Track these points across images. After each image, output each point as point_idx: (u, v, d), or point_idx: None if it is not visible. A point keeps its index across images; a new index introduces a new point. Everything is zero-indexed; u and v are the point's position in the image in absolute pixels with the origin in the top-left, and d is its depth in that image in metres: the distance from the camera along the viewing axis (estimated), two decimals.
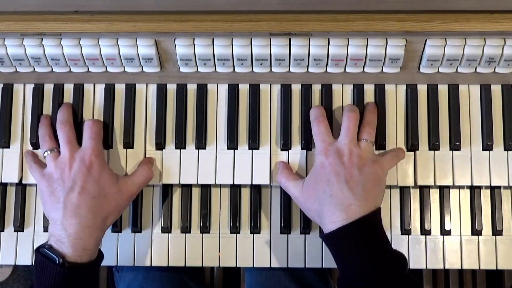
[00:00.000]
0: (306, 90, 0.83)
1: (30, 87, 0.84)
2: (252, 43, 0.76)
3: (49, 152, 0.77)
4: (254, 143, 0.82)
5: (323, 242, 0.82)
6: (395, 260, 0.70)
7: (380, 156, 0.78)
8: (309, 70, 0.79)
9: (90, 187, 0.72)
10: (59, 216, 0.71)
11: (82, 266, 0.69)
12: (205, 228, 0.83)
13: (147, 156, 0.82)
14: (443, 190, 0.83)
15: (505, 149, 0.82)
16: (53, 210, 0.72)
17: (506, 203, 0.83)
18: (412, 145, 0.81)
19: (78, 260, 0.69)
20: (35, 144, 0.83)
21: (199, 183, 0.82)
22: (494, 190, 0.83)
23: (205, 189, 0.84)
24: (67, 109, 0.81)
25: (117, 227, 0.83)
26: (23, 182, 0.82)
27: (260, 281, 0.92)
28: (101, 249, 0.81)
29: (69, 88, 0.84)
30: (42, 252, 0.69)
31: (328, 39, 0.75)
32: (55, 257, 0.68)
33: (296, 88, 0.83)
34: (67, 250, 0.69)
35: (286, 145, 0.82)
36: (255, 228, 0.83)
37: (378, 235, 0.71)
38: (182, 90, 0.83)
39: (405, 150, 0.82)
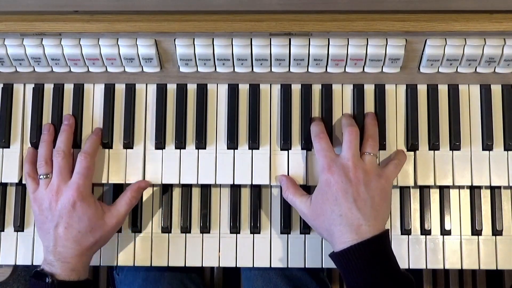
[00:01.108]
0: (306, 90, 0.83)
1: (30, 87, 0.84)
2: (252, 43, 0.76)
3: (43, 177, 0.79)
4: (254, 143, 0.82)
5: (322, 240, 0.82)
6: (404, 281, 0.71)
7: (383, 168, 0.78)
8: (309, 70, 0.79)
9: (75, 223, 0.75)
10: (49, 245, 0.76)
11: (70, 284, 0.74)
12: (205, 228, 0.83)
13: (146, 155, 0.82)
14: (443, 190, 0.83)
15: (505, 149, 0.82)
16: (45, 239, 0.77)
17: (506, 203, 0.83)
18: (412, 145, 0.81)
19: (66, 278, 0.74)
20: (35, 144, 0.83)
21: (199, 183, 0.82)
22: (494, 190, 0.83)
23: (205, 189, 0.84)
24: (67, 136, 0.80)
25: None
26: (23, 182, 0.82)
27: (256, 287, 0.92)
28: (102, 250, 0.83)
29: (69, 88, 0.84)
30: (34, 275, 0.74)
31: (328, 39, 0.75)
32: (46, 276, 0.73)
33: (296, 88, 0.83)
34: (57, 271, 0.74)
35: (286, 145, 0.82)
36: (255, 228, 0.83)
37: (388, 255, 0.72)
38: (182, 90, 0.83)
39: (405, 150, 0.82)
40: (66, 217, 0.75)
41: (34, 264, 0.83)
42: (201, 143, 0.82)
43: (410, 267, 0.82)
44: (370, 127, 0.80)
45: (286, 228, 0.83)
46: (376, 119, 0.81)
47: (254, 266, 0.83)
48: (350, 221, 0.71)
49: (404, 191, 0.83)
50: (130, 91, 0.84)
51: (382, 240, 0.71)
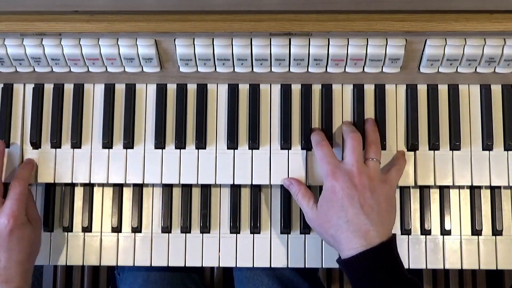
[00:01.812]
0: (306, 90, 0.83)
1: (30, 87, 0.84)
2: (252, 43, 0.76)
3: None
4: (254, 143, 0.82)
5: (322, 240, 0.82)
6: (411, 286, 0.71)
7: (386, 174, 0.78)
8: (309, 70, 0.79)
9: (15, 246, 0.75)
10: None
11: None
12: (205, 228, 0.83)
13: (146, 155, 0.82)
14: (443, 190, 0.83)
15: (505, 149, 0.82)
16: None
17: (506, 203, 0.83)
18: (412, 145, 0.81)
19: None
20: (35, 144, 0.83)
21: (199, 183, 0.82)
22: (494, 190, 0.83)
23: (205, 189, 0.84)
24: None
25: (117, 228, 0.83)
26: None
27: None
28: (101, 250, 0.83)
29: (69, 88, 0.84)
30: None
31: (328, 39, 0.75)
32: None
33: (296, 88, 0.83)
34: None
35: (286, 145, 0.82)
36: (255, 228, 0.83)
37: (396, 261, 0.72)
38: (182, 90, 0.83)
39: (405, 150, 0.82)
40: (5, 243, 0.74)
41: (36, 264, 0.83)
42: (201, 143, 0.82)
43: (410, 267, 0.82)
44: (371, 133, 0.80)
45: (286, 228, 0.83)
46: (377, 125, 0.81)
47: (254, 266, 0.83)
48: (357, 227, 0.71)
49: (404, 191, 0.83)
50: (130, 91, 0.84)
51: (390, 246, 0.71)
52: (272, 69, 0.80)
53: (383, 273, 0.69)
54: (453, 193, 0.83)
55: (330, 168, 0.75)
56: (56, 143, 0.83)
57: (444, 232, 0.82)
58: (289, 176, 0.81)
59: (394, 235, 0.73)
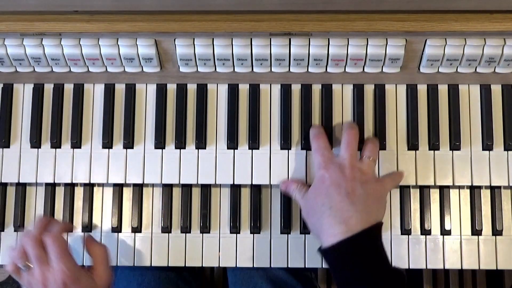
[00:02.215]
0: (306, 90, 0.83)
1: (30, 87, 0.84)
2: (252, 43, 0.76)
3: (24, 268, 0.70)
4: (254, 143, 0.82)
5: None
6: (395, 277, 0.70)
7: (381, 176, 0.78)
8: (309, 70, 0.79)
9: None
10: None
11: None
12: (205, 228, 0.83)
13: (146, 155, 0.82)
14: (443, 190, 0.83)
15: (505, 149, 0.81)
16: None
17: (506, 203, 0.83)
18: (412, 145, 0.81)
19: None
20: (35, 144, 0.83)
21: (199, 183, 0.82)
22: (494, 190, 0.83)
23: (205, 189, 0.84)
24: (41, 223, 0.73)
25: (117, 228, 0.83)
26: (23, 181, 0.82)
27: None
28: None
29: (69, 88, 0.84)
30: None
31: (328, 39, 0.75)
32: None
33: (296, 88, 0.83)
34: None
35: (286, 145, 0.82)
36: (255, 228, 0.83)
37: (379, 250, 0.71)
38: (182, 90, 0.83)
39: (406, 149, 0.82)
40: None
41: None
42: (201, 143, 0.82)
43: (410, 267, 0.82)
44: (371, 138, 0.80)
45: (286, 228, 0.83)
46: (377, 125, 0.82)
47: (255, 266, 0.83)
48: (339, 213, 0.70)
49: (404, 191, 0.83)
50: (130, 91, 0.84)
51: (372, 234, 0.71)
52: (272, 69, 0.80)
53: (364, 262, 0.68)
54: (453, 193, 0.83)
55: (323, 159, 0.76)
56: (56, 143, 0.83)
57: (444, 232, 0.82)
58: (289, 177, 0.81)
59: (378, 223, 0.72)
